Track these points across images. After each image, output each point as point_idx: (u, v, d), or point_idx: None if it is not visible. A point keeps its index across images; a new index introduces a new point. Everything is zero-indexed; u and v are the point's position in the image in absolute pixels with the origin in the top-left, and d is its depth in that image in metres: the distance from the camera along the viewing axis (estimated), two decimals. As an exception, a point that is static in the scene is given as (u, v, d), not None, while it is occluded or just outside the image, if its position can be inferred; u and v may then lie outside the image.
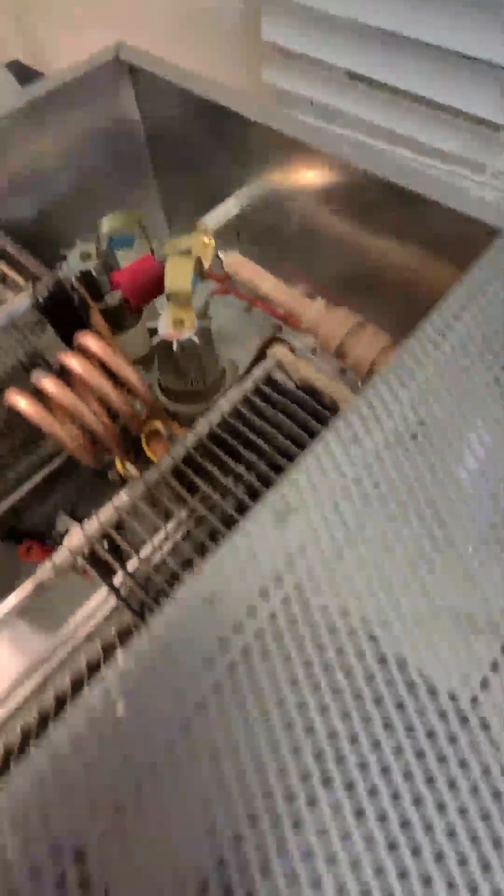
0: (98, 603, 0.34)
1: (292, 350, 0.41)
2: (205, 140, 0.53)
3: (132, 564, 0.34)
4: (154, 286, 0.48)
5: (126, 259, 0.55)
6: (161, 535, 0.35)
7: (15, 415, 0.38)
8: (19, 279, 0.37)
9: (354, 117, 0.57)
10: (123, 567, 0.33)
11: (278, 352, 0.41)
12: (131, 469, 0.43)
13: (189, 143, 0.55)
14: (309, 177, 0.48)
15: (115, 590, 0.33)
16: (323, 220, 0.49)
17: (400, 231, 0.43)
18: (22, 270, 0.37)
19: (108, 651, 0.33)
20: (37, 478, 0.47)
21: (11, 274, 0.38)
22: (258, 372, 0.40)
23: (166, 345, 0.45)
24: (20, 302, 0.34)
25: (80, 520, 0.47)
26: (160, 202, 0.66)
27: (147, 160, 0.60)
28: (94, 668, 0.33)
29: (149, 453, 0.44)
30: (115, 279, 0.47)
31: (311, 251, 0.53)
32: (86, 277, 0.51)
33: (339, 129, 0.59)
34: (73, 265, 0.51)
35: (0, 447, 0.42)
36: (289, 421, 0.39)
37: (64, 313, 0.37)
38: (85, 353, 0.35)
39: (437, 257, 0.42)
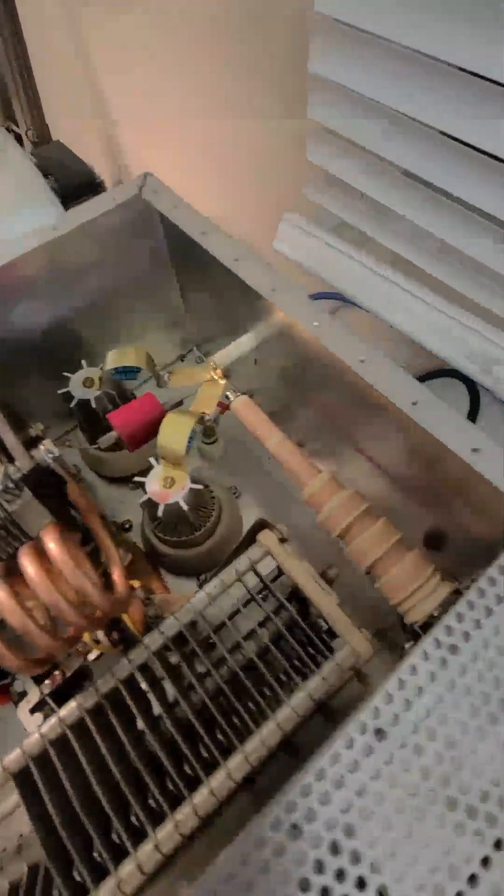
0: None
1: (282, 540, 0.38)
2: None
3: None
4: (154, 429, 0.46)
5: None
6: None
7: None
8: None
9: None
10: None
11: (267, 540, 0.38)
12: (103, 639, 0.40)
13: (209, 272, 0.53)
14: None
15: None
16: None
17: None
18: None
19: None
20: None
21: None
22: (242, 564, 0.37)
23: (152, 501, 0.42)
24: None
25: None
26: (181, 315, 0.64)
27: (172, 276, 0.59)
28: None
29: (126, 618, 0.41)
30: (111, 421, 0.45)
31: (324, 404, 0.50)
32: (84, 408, 0.50)
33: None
34: (75, 392, 0.50)
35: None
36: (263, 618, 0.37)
37: (45, 484, 0.35)
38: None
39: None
